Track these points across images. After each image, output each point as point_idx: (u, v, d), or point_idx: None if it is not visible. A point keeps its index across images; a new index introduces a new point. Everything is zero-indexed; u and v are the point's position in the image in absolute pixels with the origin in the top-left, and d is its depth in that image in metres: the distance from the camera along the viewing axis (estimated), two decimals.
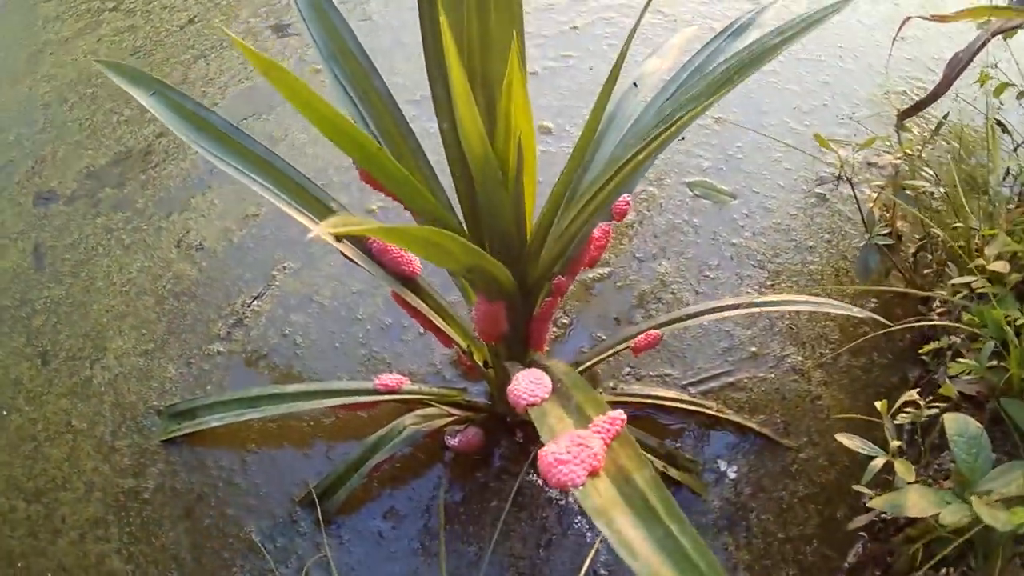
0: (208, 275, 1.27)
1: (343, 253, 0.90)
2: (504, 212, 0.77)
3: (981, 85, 1.21)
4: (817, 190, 1.35)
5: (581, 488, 0.51)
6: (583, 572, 0.87)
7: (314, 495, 1.00)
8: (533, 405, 0.64)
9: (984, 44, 1.21)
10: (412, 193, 0.78)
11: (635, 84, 1.16)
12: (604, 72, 1.44)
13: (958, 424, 0.81)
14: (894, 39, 1.38)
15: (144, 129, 1.59)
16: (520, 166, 0.74)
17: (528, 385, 0.66)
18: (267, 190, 0.90)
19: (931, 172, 1.16)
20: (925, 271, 1.18)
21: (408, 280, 0.96)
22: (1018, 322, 0.93)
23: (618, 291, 1.20)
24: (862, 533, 0.96)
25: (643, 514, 0.49)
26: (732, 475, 0.99)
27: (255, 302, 1.22)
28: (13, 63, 1.97)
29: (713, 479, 0.99)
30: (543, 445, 0.56)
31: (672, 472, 0.97)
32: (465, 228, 0.86)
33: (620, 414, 0.58)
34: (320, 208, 0.92)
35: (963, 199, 1.11)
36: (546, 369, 0.73)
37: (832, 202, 1.33)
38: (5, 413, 1.18)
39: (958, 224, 1.12)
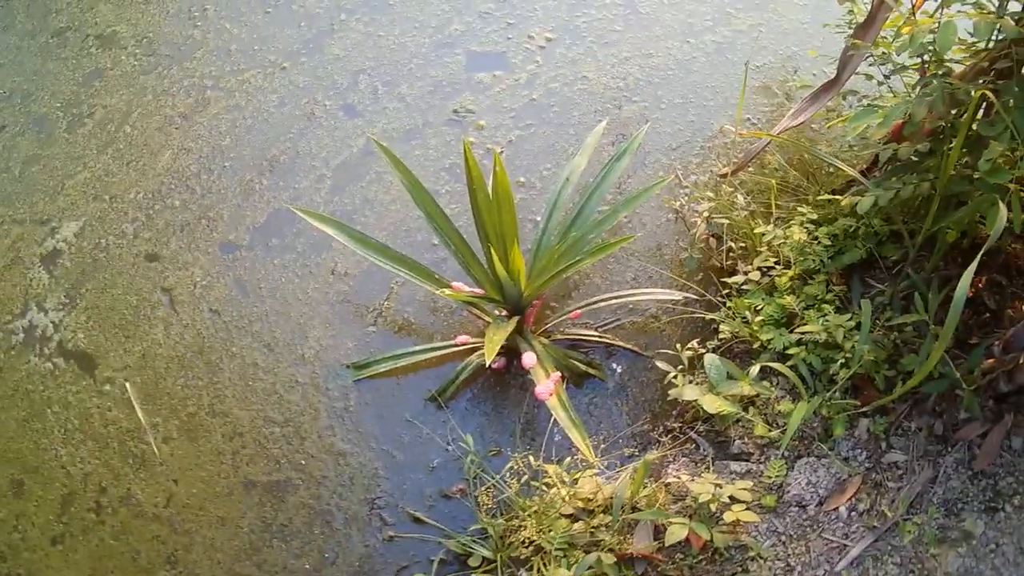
0: (355, 289, 2.72)
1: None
2: (513, 290, 2.22)
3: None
4: (675, 205, 2.76)
5: (547, 400, 2.03)
6: (552, 418, 2.39)
7: (435, 395, 2.49)
8: (532, 367, 2.13)
9: (766, 145, 2.54)
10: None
11: (567, 179, 2.56)
12: (553, 137, 2.83)
13: (711, 360, 2.22)
14: (717, 133, 2.76)
15: (283, 194, 2.96)
16: (519, 278, 2.18)
17: (528, 359, 2.15)
18: (405, 275, 2.35)
19: (740, 203, 2.53)
20: (727, 263, 2.54)
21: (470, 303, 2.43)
22: (758, 308, 2.35)
23: (563, 283, 2.65)
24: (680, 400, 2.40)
25: (563, 408, 2.02)
26: (619, 370, 2.49)
27: (385, 302, 2.68)
28: (143, 135, 3.25)
29: (610, 373, 2.48)
30: (535, 385, 2.07)
31: (591, 371, 2.46)
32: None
33: (557, 375, 2.08)
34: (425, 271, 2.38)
35: (751, 228, 2.48)
36: (532, 347, 2.22)
37: (683, 216, 2.74)
38: (251, 383, 2.64)
39: (744, 243, 2.50)
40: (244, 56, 3.41)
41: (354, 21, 3.42)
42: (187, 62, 3.47)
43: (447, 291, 2.27)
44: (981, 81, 1.90)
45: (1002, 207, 1.76)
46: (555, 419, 2.18)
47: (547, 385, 2.10)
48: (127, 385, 2.69)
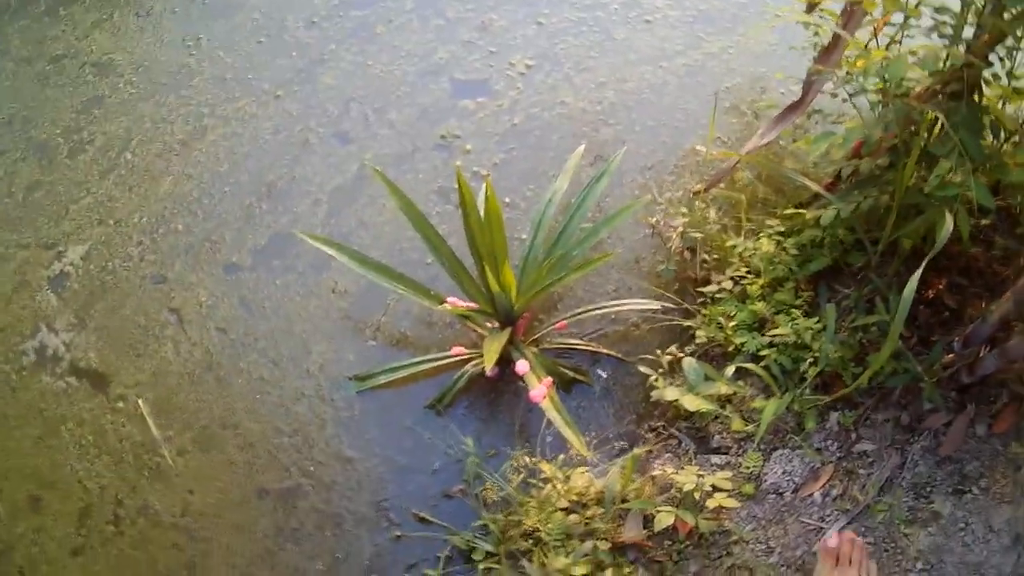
0: (354, 305, 2.95)
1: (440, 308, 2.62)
2: (505, 303, 2.47)
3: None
4: (652, 221, 3.02)
5: (542, 402, 2.28)
6: (544, 420, 2.62)
7: (434, 402, 2.72)
8: (525, 374, 2.38)
9: (735, 166, 2.76)
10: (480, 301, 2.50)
11: (550, 200, 2.81)
12: (535, 160, 3.08)
13: (689, 363, 2.47)
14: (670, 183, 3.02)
15: (282, 218, 3.19)
16: (510, 292, 2.43)
17: (522, 366, 2.40)
18: (402, 292, 2.59)
19: (712, 217, 2.80)
20: (702, 274, 2.80)
21: (464, 316, 2.67)
22: (731, 314, 2.61)
23: (549, 296, 2.89)
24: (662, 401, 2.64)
25: (556, 409, 2.28)
26: (604, 375, 2.72)
27: (383, 317, 2.91)
28: (144, 161, 3.46)
29: (596, 378, 2.72)
30: (529, 391, 2.32)
31: (578, 377, 2.70)
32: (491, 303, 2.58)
33: (549, 380, 2.33)
34: (420, 288, 2.62)
35: (723, 241, 2.74)
36: (524, 355, 2.47)
37: (659, 231, 3.00)
38: (259, 396, 2.85)
39: (717, 255, 2.77)
40: (239, 85, 3.64)
41: (343, 51, 3.66)
42: (183, 90, 3.69)
43: (446, 306, 2.50)
44: (940, 96, 2.11)
45: (948, 218, 1.99)
46: (547, 421, 2.42)
47: (541, 389, 2.35)
48: (139, 402, 2.88)
